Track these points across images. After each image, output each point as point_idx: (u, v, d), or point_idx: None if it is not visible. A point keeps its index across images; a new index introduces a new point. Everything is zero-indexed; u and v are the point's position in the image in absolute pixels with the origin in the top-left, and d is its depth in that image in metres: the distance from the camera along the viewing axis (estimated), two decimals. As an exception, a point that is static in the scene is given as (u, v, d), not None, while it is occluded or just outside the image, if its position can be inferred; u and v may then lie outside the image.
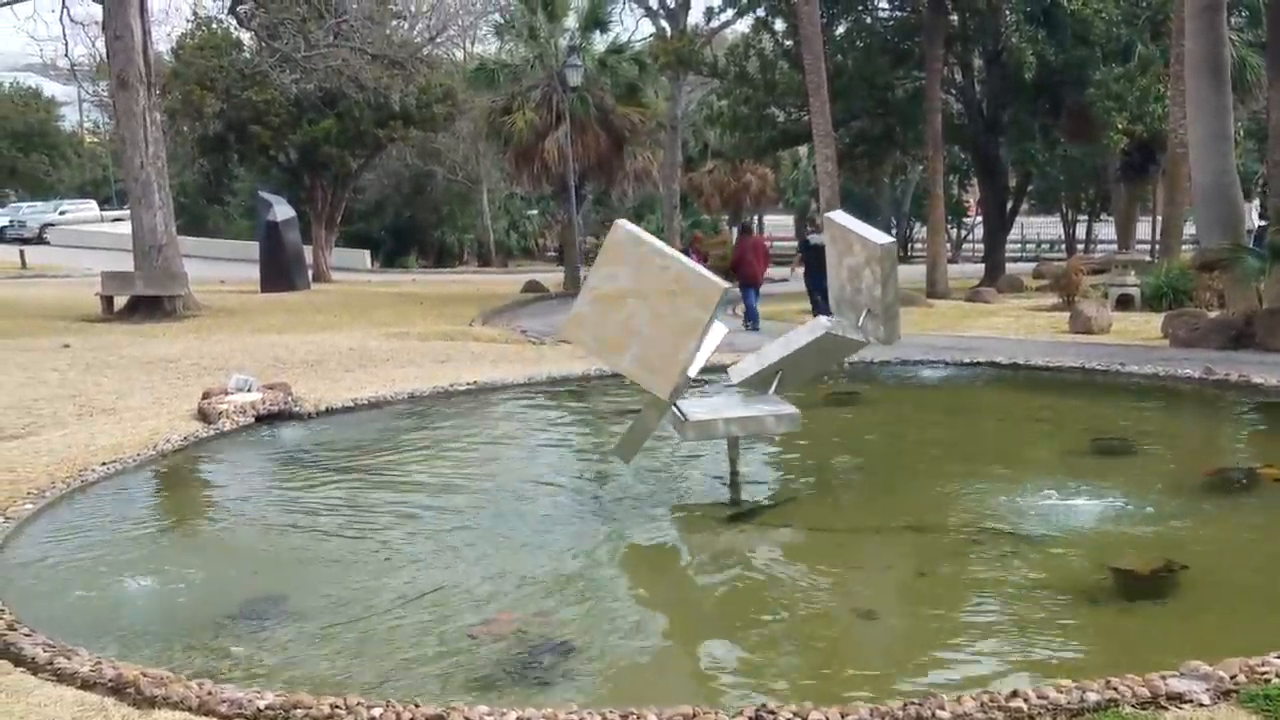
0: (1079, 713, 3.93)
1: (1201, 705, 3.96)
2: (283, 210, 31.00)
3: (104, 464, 8.60)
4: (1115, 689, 4.03)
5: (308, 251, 33.69)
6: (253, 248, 35.29)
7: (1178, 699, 3.99)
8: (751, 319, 19.89)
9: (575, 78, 23.89)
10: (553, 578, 6.14)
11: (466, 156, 47.67)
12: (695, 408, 7.44)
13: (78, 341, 17.41)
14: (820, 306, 19.79)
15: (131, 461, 8.79)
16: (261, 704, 4.22)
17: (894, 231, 53.35)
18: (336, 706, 4.17)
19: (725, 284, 6.85)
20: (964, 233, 53.82)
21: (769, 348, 8.20)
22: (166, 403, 11.41)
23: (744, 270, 20.40)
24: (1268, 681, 4.08)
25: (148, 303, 22.27)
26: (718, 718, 3.97)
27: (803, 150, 41.63)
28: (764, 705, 4.02)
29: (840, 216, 8.47)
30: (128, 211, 24.57)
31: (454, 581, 6.10)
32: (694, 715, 3.99)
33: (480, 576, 6.18)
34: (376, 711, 4.14)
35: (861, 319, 7.77)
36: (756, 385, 8.03)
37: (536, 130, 29.95)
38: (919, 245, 50.60)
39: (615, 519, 7.24)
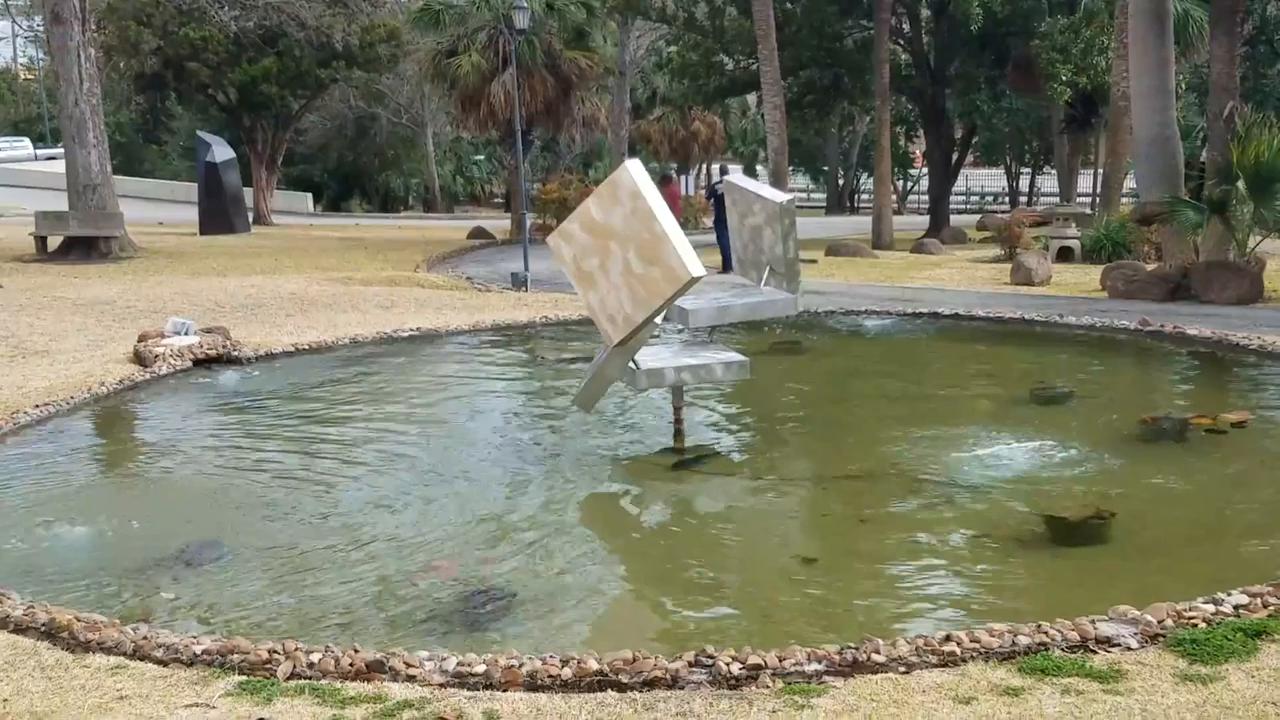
0: (1010, 656, 4.00)
1: (1129, 649, 4.05)
2: (222, 151, 30.29)
3: (36, 407, 8.45)
4: (1046, 633, 4.11)
5: (248, 194, 33.02)
6: (192, 189, 34.49)
7: (1106, 643, 4.08)
8: None
9: (522, 20, 23.39)
10: (495, 525, 6.14)
11: (411, 99, 46.79)
12: (646, 357, 7.45)
13: (10, 282, 17.00)
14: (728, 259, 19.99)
15: (65, 404, 8.65)
16: (198, 649, 4.18)
17: (840, 183, 53.55)
18: (274, 651, 4.13)
19: (698, 271, 6.50)
20: (910, 184, 54.03)
21: (738, 306, 8.17)
22: (101, 346, 11.20)
23: None
24: (1195, 626, 4.18)
25: (83, 244, 21.74)
26: (658, 663, 3.99)
27: (751, 99, 41.38)
28: (704, 650, 4.05)
29: (738, 178, 8.66)
30: (62, 150, 23.90)
31: (396, 527, 6.07)
32: (635, 660, 4.01)
33: (423, 523, 6.16)
34: (315, 656, 4.10)
35: (765, 277, 7.84)
36: (706, 332, 8.15)
37: (483, 74, 29.39)
38: (865, 197, 50.76)
39: (559, 467, 7.24)
